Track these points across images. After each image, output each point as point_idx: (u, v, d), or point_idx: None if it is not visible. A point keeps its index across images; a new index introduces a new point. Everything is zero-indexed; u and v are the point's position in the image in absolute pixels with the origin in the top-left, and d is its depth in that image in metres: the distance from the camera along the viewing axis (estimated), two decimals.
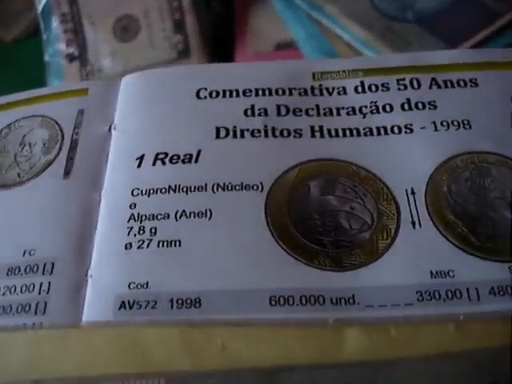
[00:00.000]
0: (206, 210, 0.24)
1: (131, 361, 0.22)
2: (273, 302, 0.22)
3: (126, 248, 0.24)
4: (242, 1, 0.50)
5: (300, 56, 0.47)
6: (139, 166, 0.26)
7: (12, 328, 0.23)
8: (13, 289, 0.24)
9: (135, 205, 0.25)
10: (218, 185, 0.25)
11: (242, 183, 0.25)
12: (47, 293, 0.23)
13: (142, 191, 0.25)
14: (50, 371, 0.22)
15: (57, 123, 0.28)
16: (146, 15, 0.49)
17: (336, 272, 0.23)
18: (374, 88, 0.28)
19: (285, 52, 0.48)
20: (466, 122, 0.27)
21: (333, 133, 0.27)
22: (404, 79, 0.28)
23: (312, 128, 0.27)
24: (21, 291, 0.24)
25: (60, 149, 0.27)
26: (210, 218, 0.24)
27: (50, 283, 0.24)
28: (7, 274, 0.24)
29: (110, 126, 0.28)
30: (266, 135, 0.27)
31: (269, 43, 0.49)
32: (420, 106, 0.27)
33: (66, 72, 0.50)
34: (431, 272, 0.23)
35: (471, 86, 0.28)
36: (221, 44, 0.49)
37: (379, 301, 0.22)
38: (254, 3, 0.50)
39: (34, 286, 0.24)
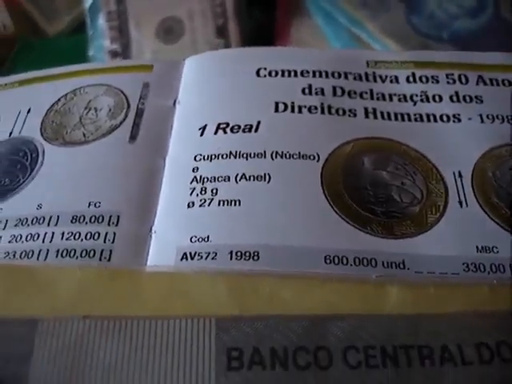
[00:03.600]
0: (264, 174, 0.26)
1: (180, 305, 0.23)
2: (327, 261, 0.23)
3: (188, 206, 0.25)
4: (284, 11, 0.52)
5: None
6: (202, 134, 0.28)
7: (63, 265, 0.24)
8: (77, 235, 0.25)
9: (198, 168, 0.26)
10: (277, 153, 0.26)
11: (299, 153, 0.26)
12: (112, 242, 0.25)
13: (204, 157, 0.27)
14: (99, 308, 0.23)
15: (122, 92, 0.30)
16: (190, 18, 0.51)
17: (388, 239, 0.24)
18: (424, 79, 0.30)
19: None
20: (510, 117, 0.28)
21: (385, 115, 0.28)
22: (453, 74, 0.30)
23: (366, 109, 0.28)
24: (85, 238, 0.25)
25: (126, 115, 0.29)
26: (268, 182, 0.26)
27: (115, 234, 0.25)
28: (71, 221, 0.25)
29: (175, 101, 0.30)
30: (323, 112, 0.28)
31: None
32: (468, 99, 0.29)
33: None
34: (477, 247, 0.24)
35: None
36: None
37: (428, 268, 0.24)
38: (295, 14, 0.51)
39: (99, 235, 0.25)
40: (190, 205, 0.25)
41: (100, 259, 0.24)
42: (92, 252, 0.24)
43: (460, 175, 0.26)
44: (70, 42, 0.56)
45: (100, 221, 0.25)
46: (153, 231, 0.25)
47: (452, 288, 0.23)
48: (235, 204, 0.25)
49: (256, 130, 0.27)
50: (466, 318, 0.22)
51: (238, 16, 0.51)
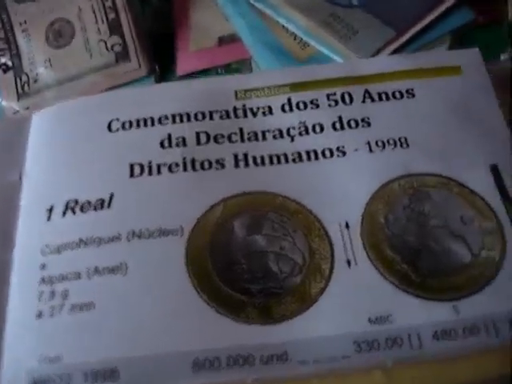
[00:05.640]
0: (120, 264, 0.22)
1: None
2: (196, 367, 0.20)
3: (37, 317, 0.22)
4: None
5: (245, 49, 0.44)
6: (49, 218, 0.24)
7: None
8: None
9: (45, 265, 0.23)
10: (134, 232, 0.23)
11: (160, 228, 0.23)
12: None
13: (51, 249, 0.23)
14: None
15: None
16: (79, 17, 0.46)
17: (266, 325, 0.21)
18: (302, 106, 0.26)
19: (229, 46, 0.45)
20: (402, 139, 0.24)
21: (258, 161, 0.24)
22: (335, 93, 0.26)
23: (236, 156, 0.24)
24: None
25: None
26: (125, 274, 0.22)
27: None
28: None
29: (21, 173, 0.25)
30: (185, 169, 0.24)
31: (211, 38, 0.46)
32: (353, 124, 0.25)
33: (1, 83, 0.47)
34: (369, 318, 0.21)
35: (408, 97, 0.25)
36: (162, 42, 0.46)
37: (314, 355, 0.20)
38: None
39: None
40: (39, 315, 0.22)
41: None
42: None
43: (347, 226, 0.23)
44: None
45: None
46: (3, 350, 0.22)
47: (339, 380, 0.20)
48: (88, 308, 0.22)
49: (109, 205, 0.23)
50: None
51: (130, 6, 0.46)
